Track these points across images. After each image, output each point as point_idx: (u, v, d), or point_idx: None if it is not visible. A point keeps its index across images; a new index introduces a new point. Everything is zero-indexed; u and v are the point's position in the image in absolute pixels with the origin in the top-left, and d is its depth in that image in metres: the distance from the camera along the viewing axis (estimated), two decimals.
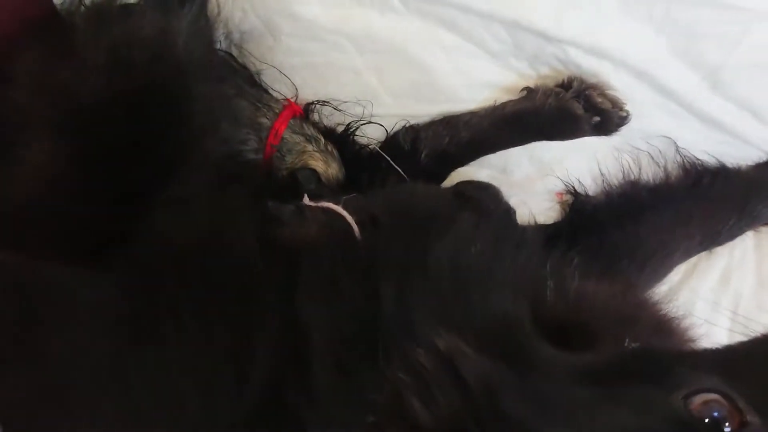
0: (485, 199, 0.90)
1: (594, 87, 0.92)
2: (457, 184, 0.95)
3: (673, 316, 0.78)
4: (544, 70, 0.96)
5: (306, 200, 0.84)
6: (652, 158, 1.02)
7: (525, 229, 0.95)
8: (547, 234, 0.96)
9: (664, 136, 1.01)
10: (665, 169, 1.02)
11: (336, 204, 0.81)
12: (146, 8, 0.88)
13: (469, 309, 0.61)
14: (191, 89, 0.84)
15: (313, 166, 0.96)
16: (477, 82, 0.96)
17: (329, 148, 0.98)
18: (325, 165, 0.96)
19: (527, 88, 0.96)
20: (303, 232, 0.80)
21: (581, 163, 1.01)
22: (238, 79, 0.99)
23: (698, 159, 1.00)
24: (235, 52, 0.99)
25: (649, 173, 1.02)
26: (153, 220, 0.77)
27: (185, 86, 0.84)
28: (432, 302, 0.62)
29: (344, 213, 0.79)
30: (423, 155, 0.98)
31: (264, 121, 0.97)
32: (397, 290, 0.63)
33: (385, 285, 0.64)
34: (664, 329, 0.75)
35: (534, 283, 0.68)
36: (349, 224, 0.78)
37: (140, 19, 0.86)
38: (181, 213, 0.80)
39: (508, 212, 0.92)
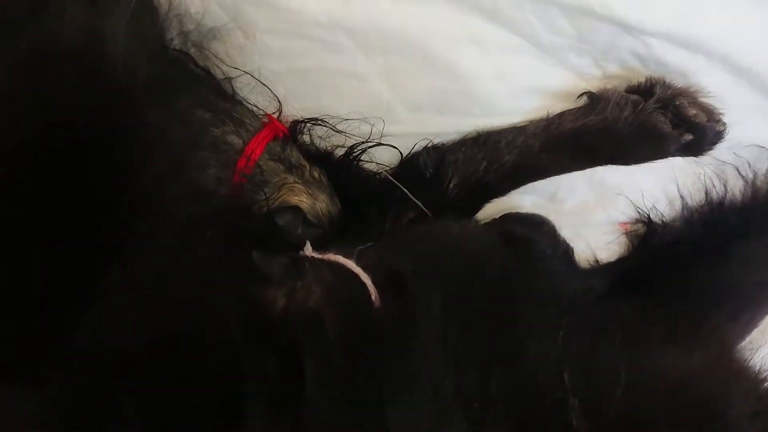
0: (540, 241, 0.69)
1: (684, 93, 0.68)
2: (503, 219, 0.73)
3: None
4: (612, 69, 0.72)
5: (307, 249, 0.64)
6: (739, 172, 0.79)
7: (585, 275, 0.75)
8: (613, 274, 0.76)
9: (757, 146, 0.79)
10: (754, 184, 0.79)
11: (347, 256, 0.61)
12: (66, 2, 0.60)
13: None
14: (140, 124, 0.58)
15: (295, 203, 0.71)
16: (523, 88, 0.72)
17: (316, 175, 0.74)
18: (312, 199, 0.72)
19: (589, 94, 0.73)
20: (301, 298, 0.59)
21: (653, 184, 0.79)
22: (200, 87, 0.73)
23: None
24: (195, 54, 0.71)
25: (736, 192, 0.79)
26: (97, 315, 0.53)
27: (131, 120, 0.58)
28: None
29: (358, 270, 0.60)
30: (450, 185, 0.75)
31: (234, 140, 0.72)
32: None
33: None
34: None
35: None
36: (363, 285, 0.59)
37: (57, 20, 0.58)
38: (131, 300, 0.56)
39: (567, 253, 0.72)
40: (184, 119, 0.70)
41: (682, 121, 0.69)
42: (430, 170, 0.75)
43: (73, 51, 0.58)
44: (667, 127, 0.68)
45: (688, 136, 0.69)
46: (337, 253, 0.63)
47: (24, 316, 0.53)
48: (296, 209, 0.71)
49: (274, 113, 0.74)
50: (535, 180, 0.76)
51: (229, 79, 0.73)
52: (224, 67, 0.72)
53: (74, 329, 0.52)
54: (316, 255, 0.63)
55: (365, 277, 0.60)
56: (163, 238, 0.59)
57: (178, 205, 0.61)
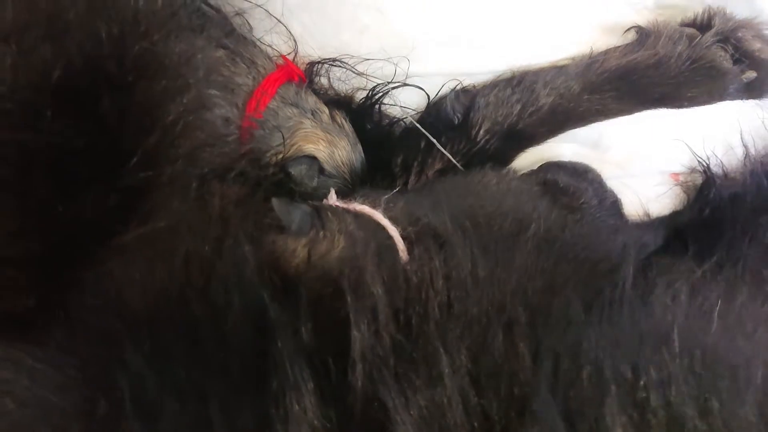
0: (586, 190, 0.64)
1: (747, 25, 0.61)
2: (543, 168, 0.68)
3: None
4: None
5: (331, 197, 0.60)
6: None
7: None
8: (666, 230, 0.69)
9: None
10: None
11: (374, 206, 0.58)
12: None
13: None
14: (164, 52, 0.52)
15: (310, 152, 0.66)
16: (565, 19, 0.64)
17: (338, 119, 0.68)
18: (330, 146, 0.67)
19: (638, 28, 0.65)
20: (323, 250, 0.55)
21: (710, 130, 0.69)
22: (210, 27, 0.67)
23: None
24: None
25: None
26: (109, 271, 0.49)
27: (153, 49, 0.51)
28: None
29: (385, 222, 0.56)
30: (480, 131, 0.68)
31: (244, 81, 0.67)
32: None
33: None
34: None
35: None
36: (390, 239, 0.55)
37: None
38: (144, 253, 0.50)
39: (615, 204, 0.67)
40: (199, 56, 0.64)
41: (745, 57, 0.61)
42: (459, 115, 0.69)
43: None
44: (727, 63, 0.61)
45: (751, 74, 0.62)
46: (363, 203, 0.58)
47: (26, 267, 0.49)
48: (311, 159, 0.66)
49: (289, 54, 0.68)
50: (575, 126, 0.69)
51: (241, 14, 0.67)
52: (236, 3, 0.66)
53: (80, 285, 0.48)
54: (340, 204, 0.59)
55: (393, 230, 0.55)
56: (185, 187, 0.53)
57: (198, 151, 0.56)
